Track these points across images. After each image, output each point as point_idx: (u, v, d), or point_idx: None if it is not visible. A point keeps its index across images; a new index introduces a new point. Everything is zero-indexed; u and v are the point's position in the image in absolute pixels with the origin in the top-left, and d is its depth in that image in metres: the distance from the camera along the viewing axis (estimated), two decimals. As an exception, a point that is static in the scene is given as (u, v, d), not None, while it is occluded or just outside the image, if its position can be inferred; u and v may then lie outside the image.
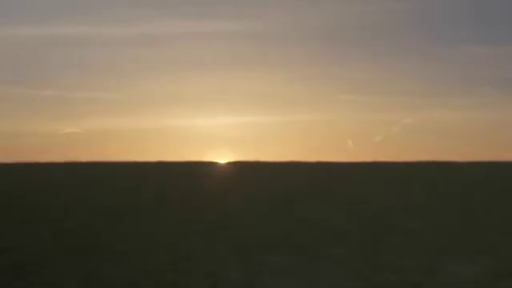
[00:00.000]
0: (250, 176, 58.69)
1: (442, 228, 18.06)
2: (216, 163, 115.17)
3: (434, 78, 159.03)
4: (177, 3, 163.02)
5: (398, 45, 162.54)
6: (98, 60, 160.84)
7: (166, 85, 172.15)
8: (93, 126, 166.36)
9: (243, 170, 74.17)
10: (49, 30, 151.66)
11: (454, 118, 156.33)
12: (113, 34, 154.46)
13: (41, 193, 36.61)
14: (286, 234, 16.91)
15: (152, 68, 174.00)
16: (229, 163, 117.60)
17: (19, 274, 11.43)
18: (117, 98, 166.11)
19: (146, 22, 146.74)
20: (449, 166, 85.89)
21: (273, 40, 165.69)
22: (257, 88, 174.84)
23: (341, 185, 43.62)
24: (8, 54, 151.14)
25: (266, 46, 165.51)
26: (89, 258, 13.06)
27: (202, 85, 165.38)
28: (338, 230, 17.75)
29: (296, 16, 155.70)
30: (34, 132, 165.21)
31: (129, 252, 13.91)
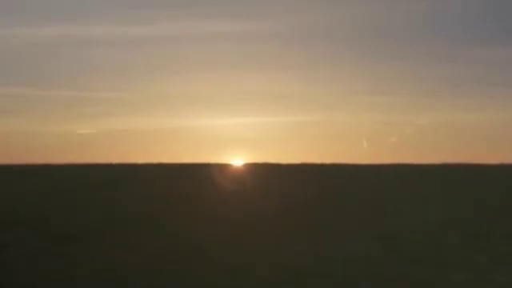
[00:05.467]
0: (263, 180, 54.67)
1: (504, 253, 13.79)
2: (230, 165, 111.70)
3: (448, 79, 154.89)
4: (193, 3, 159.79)
5: (413, 45, 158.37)
6: (112, 60, 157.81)
7: (180, 85, 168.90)
8: (108, 126, 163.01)
9: (256, 173, 70.22)
10: (59, 30, 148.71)
11: (470, 120, 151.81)
12: (126, 34, 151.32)
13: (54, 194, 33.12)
14: (286, 261, 12.76)
15: (167, 68, 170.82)
16: (244, 165, 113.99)
17: None
18: (131, 98, 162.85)
19: (160, 22, 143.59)
20: (479, 168, 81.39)
21: (286, 40, 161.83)
22: (271, 88, 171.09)
23: (361, 189, 39.26)
24: (15, 55, 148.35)
25: (280, 46, 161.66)
26: None
27: (216, 85, 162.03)
28: (363, 257, 13.55)
29: (311, 16, 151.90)
30: (48, 133, 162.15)
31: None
